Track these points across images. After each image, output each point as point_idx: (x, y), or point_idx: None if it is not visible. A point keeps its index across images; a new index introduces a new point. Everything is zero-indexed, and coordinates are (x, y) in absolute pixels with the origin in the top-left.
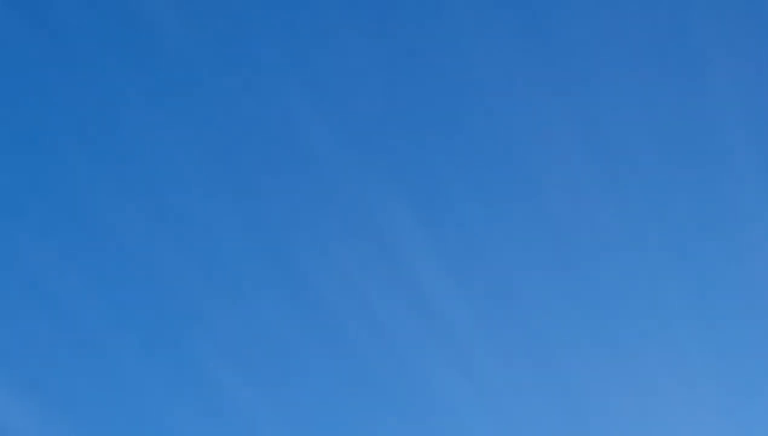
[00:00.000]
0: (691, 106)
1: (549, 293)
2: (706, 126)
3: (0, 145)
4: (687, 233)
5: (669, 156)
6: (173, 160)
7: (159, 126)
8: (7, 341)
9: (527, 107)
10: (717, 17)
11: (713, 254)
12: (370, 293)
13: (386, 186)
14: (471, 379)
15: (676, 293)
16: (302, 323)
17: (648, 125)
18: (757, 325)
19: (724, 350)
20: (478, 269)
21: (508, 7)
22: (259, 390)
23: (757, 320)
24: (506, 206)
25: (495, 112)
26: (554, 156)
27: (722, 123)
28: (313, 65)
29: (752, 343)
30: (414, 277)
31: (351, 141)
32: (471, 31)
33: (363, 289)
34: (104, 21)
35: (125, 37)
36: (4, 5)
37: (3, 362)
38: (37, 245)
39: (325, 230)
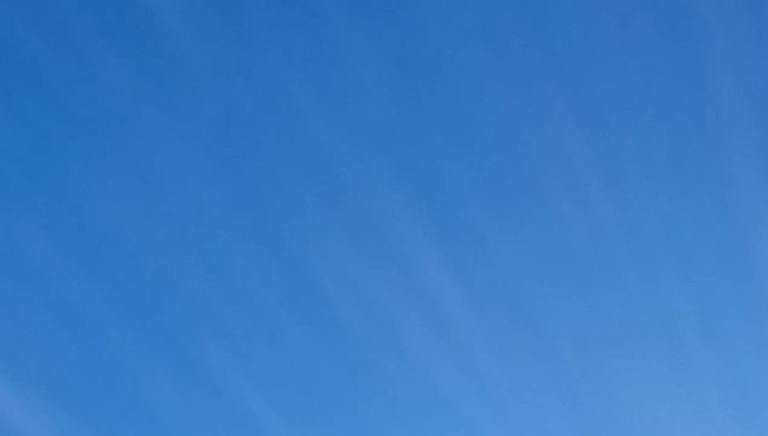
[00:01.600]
0: (694, 104)
1: (552, 292)
2: (710, 124)
3: (1, 143)
4: (688, 227)
5: (673, 155)
6: (176, 160)
7: (162, 124)
8: (8, 337)
9: (529, 102)
10: (720, 15)
11: (716, 249)
12: (368, 282)
13: (389, 184)
14: (470, 371)
15: (678, 290)
16: (304, 319)
17: (652, 125)
18: (760, 325)
19: (726, 344)
20: (477, 260)
21: (512, 8)
22: (256, 380)
23: (759, 316)
24: (506, 198)
25: (496, 105)
26: (556, 151)
27: (727, 127)
28: (321, 66)
29: (755, 344)
30: (413, 266)
31: (353, 138)
32: (479, 33)
33: (361, 278)
34: (106, 19)
35: (124, 32)
36: (4, 5)
37: (3, 359)
38: (37, 241)
39: (329, 229)
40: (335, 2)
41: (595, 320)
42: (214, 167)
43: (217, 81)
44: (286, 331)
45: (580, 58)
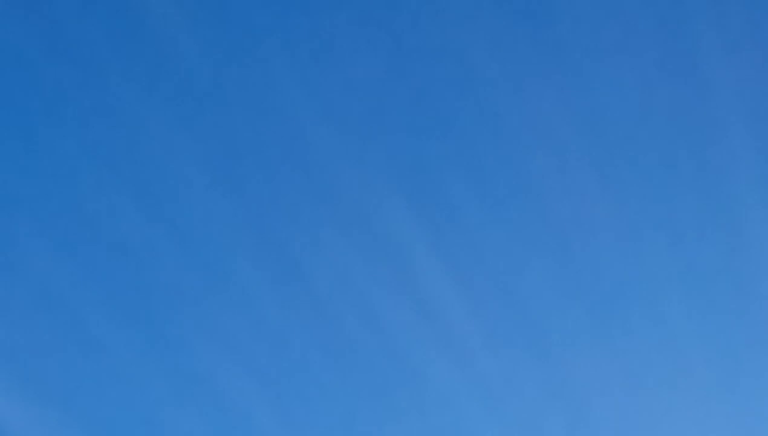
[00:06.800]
0: (691, 104)
1: (547, 289)
2: (706, 124)
3: (1, 146)
4: (686, 230)
5: (668, 154)
6: (171, 158)
7: (158, 124)
8: (7, 340)
9: (527, 104)
10: (717, 14)
11: (712, 252)
12: (368, 287)
13: (384, 181)
14: (470, 375)
15: (675, 292)
16: (300, 317)
17: (648, 123)
18: (756, 323)
19: (723, 346)
20: (476, 264)
21: (513, 11)
22: (258, 387)
23: (756, 318)
24: (504, 202)
25: (494, 108)
26: (554, 154)
27: (723, 122)
28: (313, 63)
29: (751, 341)
30: (412, 271)
31: (349, 136)
32: (471, 27)
33: (360, 284)
34: (107, 21)
35: (124, 35)
36: (4, 5)
37: (2, 362)
38: (35, 243)
39: (324, 226)
40: (338, 10)
41: (593, 322)
42: (217, 176)
43: (223, 93)
44: (287, 337)
45: (579, 62)
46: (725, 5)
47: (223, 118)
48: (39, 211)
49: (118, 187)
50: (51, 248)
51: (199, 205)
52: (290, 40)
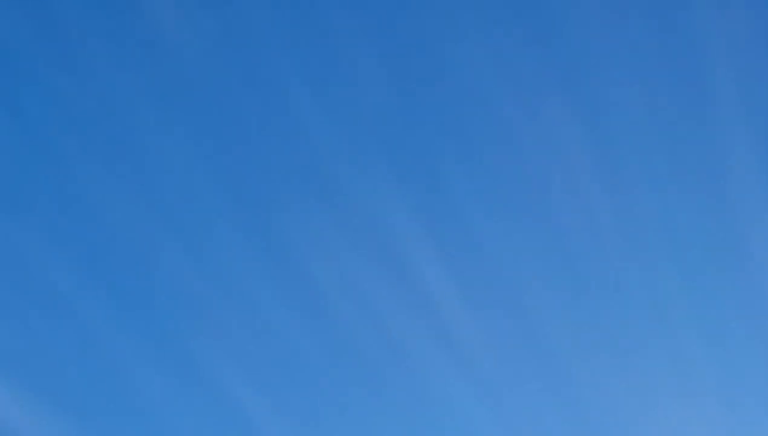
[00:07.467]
0: (694, 107)
1: (549, 291)
2: (710, 128)
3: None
4: (690, 236)
5: (673, 158)
6: (173, 158)
7: (159, 123)
8: (6, 339)
9: (530, 107)
10: (719, 16)
11: (715, 257)
12: (369, 287)
13: (388, 185)
14: (470, 377)
15: (678, 296)
16: (299, 317)
17: (652, 127)
18: (757, 321)
19: (726, 351)
20: (479, 267)
21: (512, 8)
22: (259, 388)
23: (758, 316)
24: (508, 204)
25: (498, 112)
26: (557, 157)
27: (725, 124)
28: (317, 65)
29: (752, 340)
30: (415, 275)
31: (353, 139)
32: (475, 30)
33: (361, 284)
34: (103, 17)
35: (121, 30)
36: (4, 5)
37: (2, 360)
38: (35, 242)
39: (324, 226)
40: (343, 7)
41: (591, 315)
42: (211, 166)
43: (215, 80)
44: (281, 329)
45: (576, 54)
46: (730, 11)
47: (220, 108)
48: (38, 209)
49: (118, 183)
50: (50, 245)
51: (200, 203)
52: (289, 31)
